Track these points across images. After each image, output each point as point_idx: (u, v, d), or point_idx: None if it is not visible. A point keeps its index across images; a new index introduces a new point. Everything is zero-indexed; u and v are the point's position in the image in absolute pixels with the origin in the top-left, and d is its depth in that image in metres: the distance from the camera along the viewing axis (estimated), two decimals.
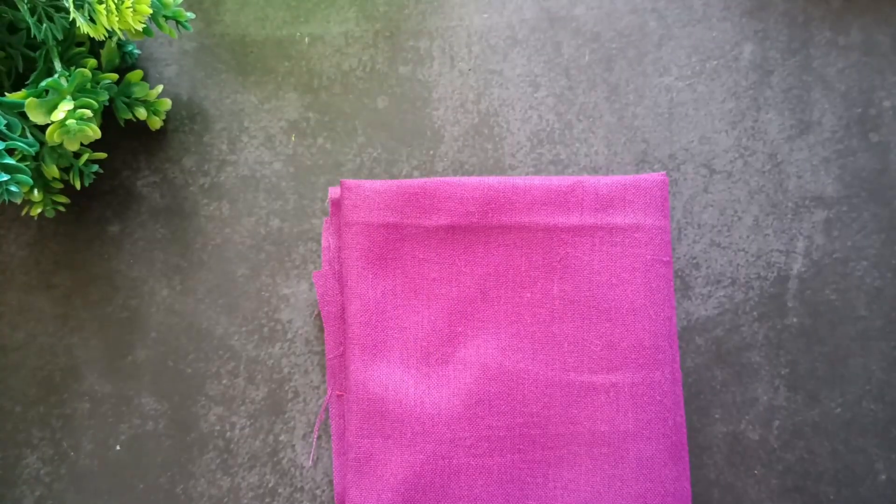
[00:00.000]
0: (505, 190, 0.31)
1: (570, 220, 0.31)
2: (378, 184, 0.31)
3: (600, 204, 0.31)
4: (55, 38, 0.28)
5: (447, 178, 0.31)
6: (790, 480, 0.31)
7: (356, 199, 0.31)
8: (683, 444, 0.30)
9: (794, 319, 0.32)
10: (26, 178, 0.28)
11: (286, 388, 0.32)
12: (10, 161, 0.27)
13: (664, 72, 0.33)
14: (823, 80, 0.33)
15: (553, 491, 0.30)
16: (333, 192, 0.32)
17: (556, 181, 0.31)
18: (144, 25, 0.28)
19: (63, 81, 0.28)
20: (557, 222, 0.31)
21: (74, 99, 0.28)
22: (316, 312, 0.32)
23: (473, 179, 0.31)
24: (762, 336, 0.32)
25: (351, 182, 0.31)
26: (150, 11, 0.28)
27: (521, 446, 0.30)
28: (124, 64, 0.33)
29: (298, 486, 0.31)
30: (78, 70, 0.28)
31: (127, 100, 0.31)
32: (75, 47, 0.30)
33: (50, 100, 0.28)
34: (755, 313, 0.32)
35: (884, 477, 0.31)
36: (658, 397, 0.30)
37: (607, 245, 0.31)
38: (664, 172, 0.31)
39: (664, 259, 0.31)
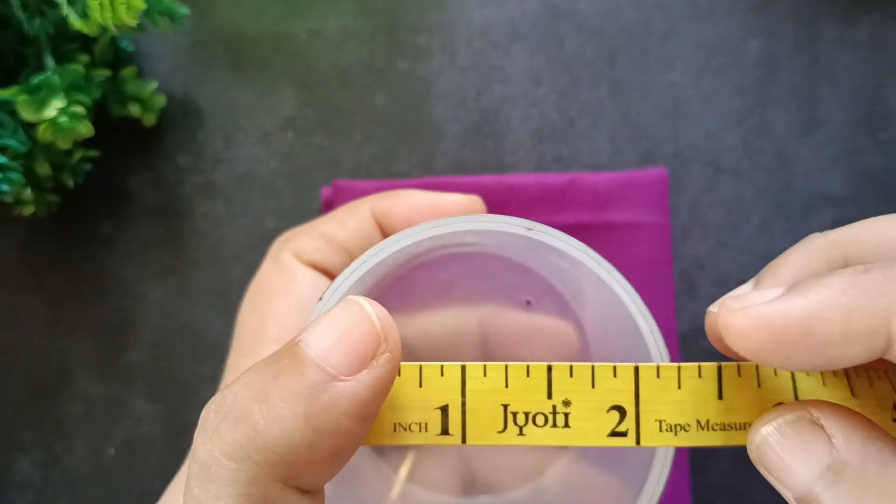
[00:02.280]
0: (499, 189, 0.30)
1: (566, 219, 0.30)
2: (371, 184, 0.31)
3: (597, 202, 0.30)
4: (48, 33, 0.28)
5: (440, 178, 0.31)
6: None
7: (348, 200, 0.30)
8: (683, 448, 0.30)
9: None
10: (18, 177, 0.28)
11: None
12: (1, 160, 0.27)
13: (669, 68, 0.33)
14: (831, 77, 0.32)
15: None
16: (326, 192, 0.31)
17: (551, 178, 0.30)
18: (138, 21, 0.28)
19: (55, 78, 0.28)
20: (553, 221, 0.30)
21: (67, 96, 0.28)
22: None
23: (467, 179, 0.30)
24: None
25: (344, 182, 0.31)
26: (145, 6, 0.27)
27: None
28: (117, 60, 0.32)
29: None
30: (70, 66, 0.28)
31: (120, 96, 0.31)
32: (67, 43, 0.30)
33: (41, 97, 0.28)
34: None
35: None
36: None
37: (604, 243, 0.30)
38: (664, 167, 0.31)
39: (664, 257, 0.30)
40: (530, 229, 0.17)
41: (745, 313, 0.14)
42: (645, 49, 0.33)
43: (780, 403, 0.15)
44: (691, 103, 0.32)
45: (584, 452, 0.24)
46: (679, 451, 0.29)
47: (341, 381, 0.14)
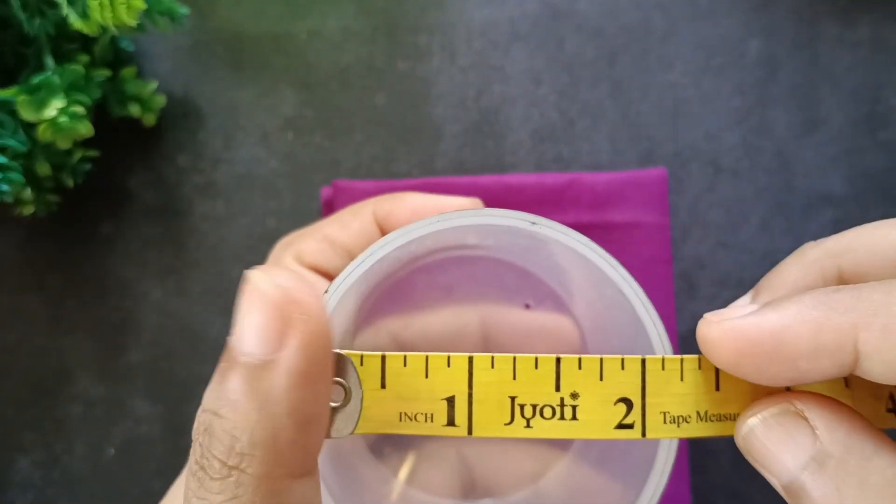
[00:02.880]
0: (499, 189, 0.30)
1: (566, 219, 0.30)
2: (371, 184, 0.31)
3: (597, 202, 0.30)
4: (48, 33, 0.28)
5: (440, 178, 0.30)
6: None
7: (348, 200, 0.30)
8: (683, 447, 0.30)
9: None
10: (18, 177, 0.28)
11: None
12: (1, 160, 0.27)
13: (669, 68, 0.33)
14: (831, 77, 0.32)
15: None
16: (326, 192, 0.31)
17: (550, 179, 0.30)
18: (138, 21, 0.28)
19: (55, 78, 0.28)
20: None
21: (67, 96, 0.28)
22: None
23: (467, 179, 0.30)
24: None
25: (344, 182, 0.31)
26: (145, 6, 0.27)
27: None
28: (117, 60, 0.32)
29: None
30: (70, 66, 0.28)
31: (120, 96, 0.31)
32: (67, 43, 0.30)
33: (41, 96, 0.28)
34: None
35: None
36: None
37: (604, 243, 0.30)
38: (664, 167, 0.31)
39: (664, 257, 0.30)
40: (534, 223, 0.17)
41: (720, 326, 0.15)
42: (645, 49, 0.33)
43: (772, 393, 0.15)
44: (691, 103, 0.32)
45: (584, 454, 0.24)
46: (679, 451, 0.29)
47: (270, 362, 0.14)
